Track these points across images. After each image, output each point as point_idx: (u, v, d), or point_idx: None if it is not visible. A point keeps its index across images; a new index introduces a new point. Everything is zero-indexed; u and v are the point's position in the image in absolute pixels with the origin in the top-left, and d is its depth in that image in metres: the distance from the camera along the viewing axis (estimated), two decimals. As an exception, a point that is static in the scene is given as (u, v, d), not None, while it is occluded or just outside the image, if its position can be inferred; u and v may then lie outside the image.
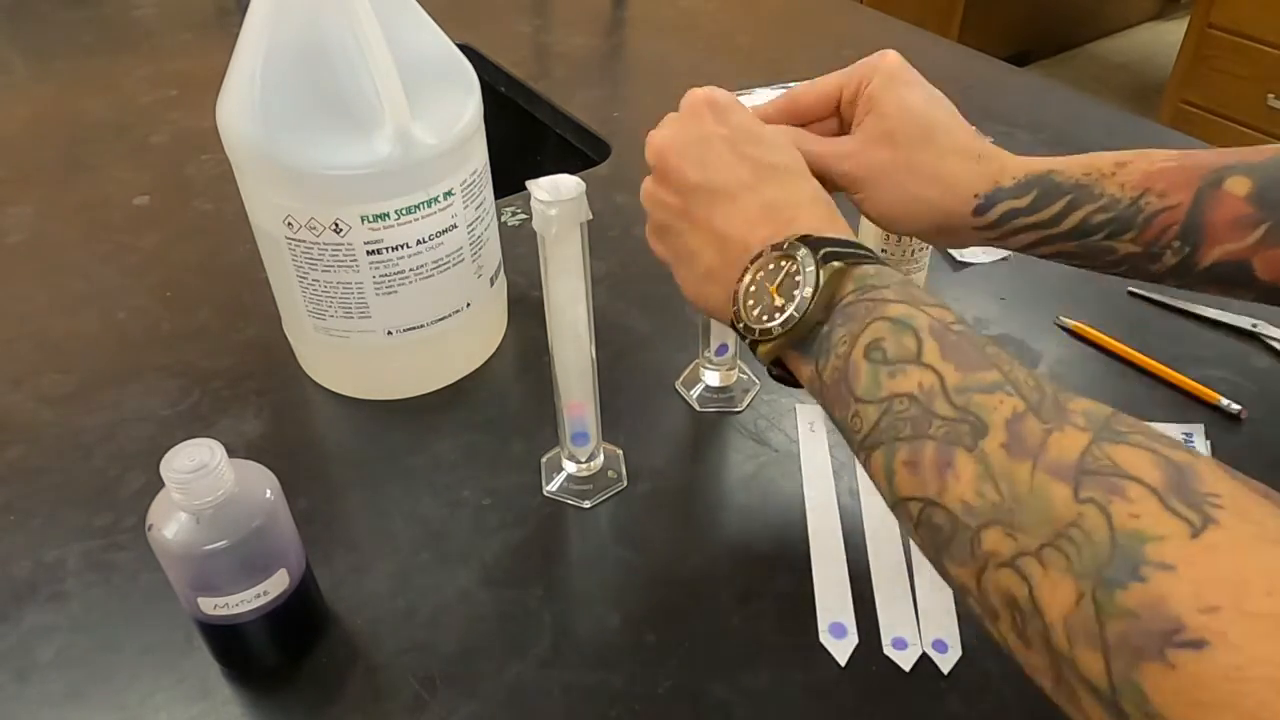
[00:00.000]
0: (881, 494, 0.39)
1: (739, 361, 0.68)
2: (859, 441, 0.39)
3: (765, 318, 0.43)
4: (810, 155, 0.51)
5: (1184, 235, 0.49)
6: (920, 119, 0.52)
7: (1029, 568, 0.31)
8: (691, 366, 0.69)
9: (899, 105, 0.52)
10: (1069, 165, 0.52)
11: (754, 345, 0.44)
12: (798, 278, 0.42)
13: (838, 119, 0.56)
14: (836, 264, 0.41)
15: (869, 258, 0.42)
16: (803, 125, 0.56)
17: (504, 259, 0.71)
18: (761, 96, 1.07)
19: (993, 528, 0.33)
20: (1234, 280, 0.49)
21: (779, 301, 0.42)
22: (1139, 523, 0.29)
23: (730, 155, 0.46)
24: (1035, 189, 0.51)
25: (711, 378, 0.67)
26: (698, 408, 0.67)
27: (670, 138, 0.48)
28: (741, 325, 0.44)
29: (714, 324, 0.64)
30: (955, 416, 0.35)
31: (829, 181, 0.52)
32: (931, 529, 0.35)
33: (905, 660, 0.51)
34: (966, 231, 0.53)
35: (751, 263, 0.44)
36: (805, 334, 0.42)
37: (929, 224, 0.53)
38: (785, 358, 0.44)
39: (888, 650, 0.52)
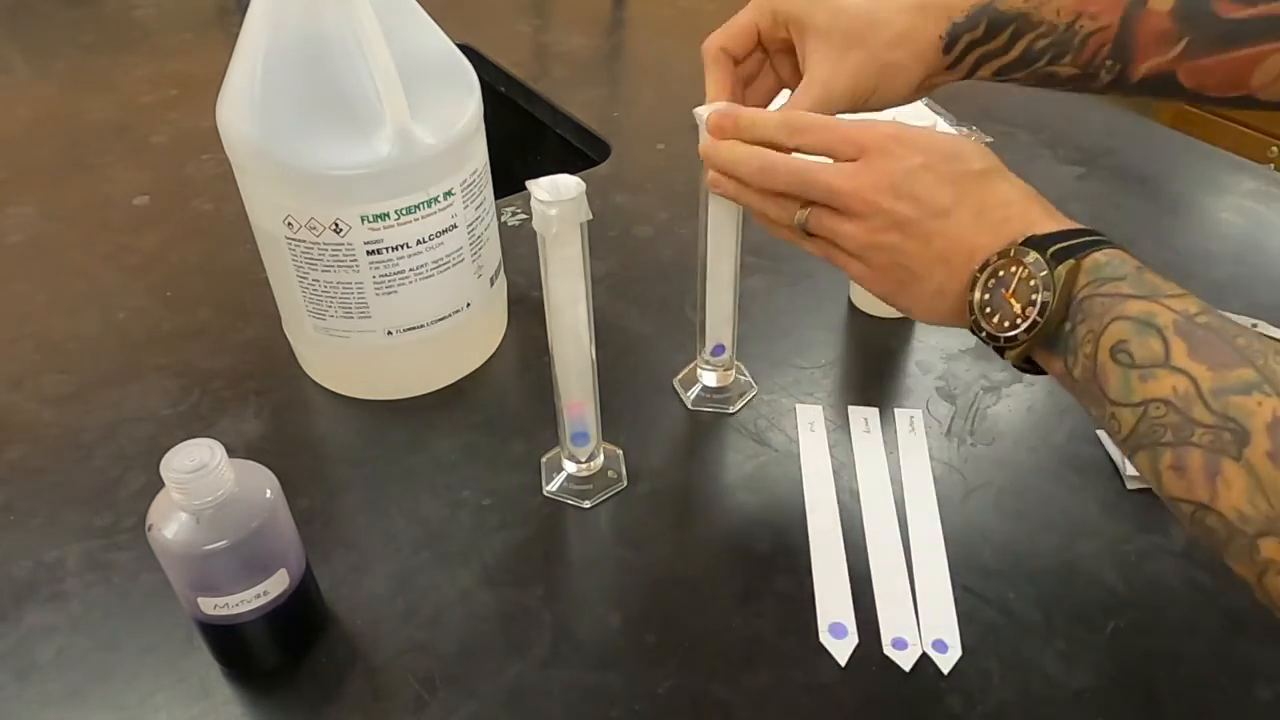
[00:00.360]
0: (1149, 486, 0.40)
1: (736, 362, 0.68)
2: (1119, 441, 0.41)
3: (1008, 325, 0.44)
4: (814, 124, 0.50)
5: (1115, 53, 0.54)
6: (856, 13, 0.55)
7: None
8: (690, 367, 0.69)
9: (830, 17, 0.54)
10: None
11: (1000, 351, 0.45)
12: (1032, 282, 0.42)
13: (762, 50, 0.59)
14: (1069, 261, 0.42)
15: (1094, 242, 0.43)
16: (736, 64, 0.58)
17: (504, 259, 0.71)
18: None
19: (1268, 537, 0.35)
20: (1164, 91, 0.54)
21: (1018, 308, 0.43)
22: None
23: (933, 179, 0.46)
24: (984, 18, 0.55)
25: (709, 378, 0.67)
26: (692, 407, 0.66)
27: (870, 181, 0.47)
28: (985, 334, 0.45)
29: (709, 324, 0.64)
30: (1215, 423, 0.36)
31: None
32: (1206, 530, 0.37)
33: (905, 660, 0.51)
34: (940, 75, 0.57)
35: (980, 272, 0.45)
36: (1050, 333, 0.43)
37: (912, 85, 0.57)
38: (1033, 354, 0.45)
39: (888, 650, 0.52)
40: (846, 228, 0.48)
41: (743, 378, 0.68)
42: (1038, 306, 0.42)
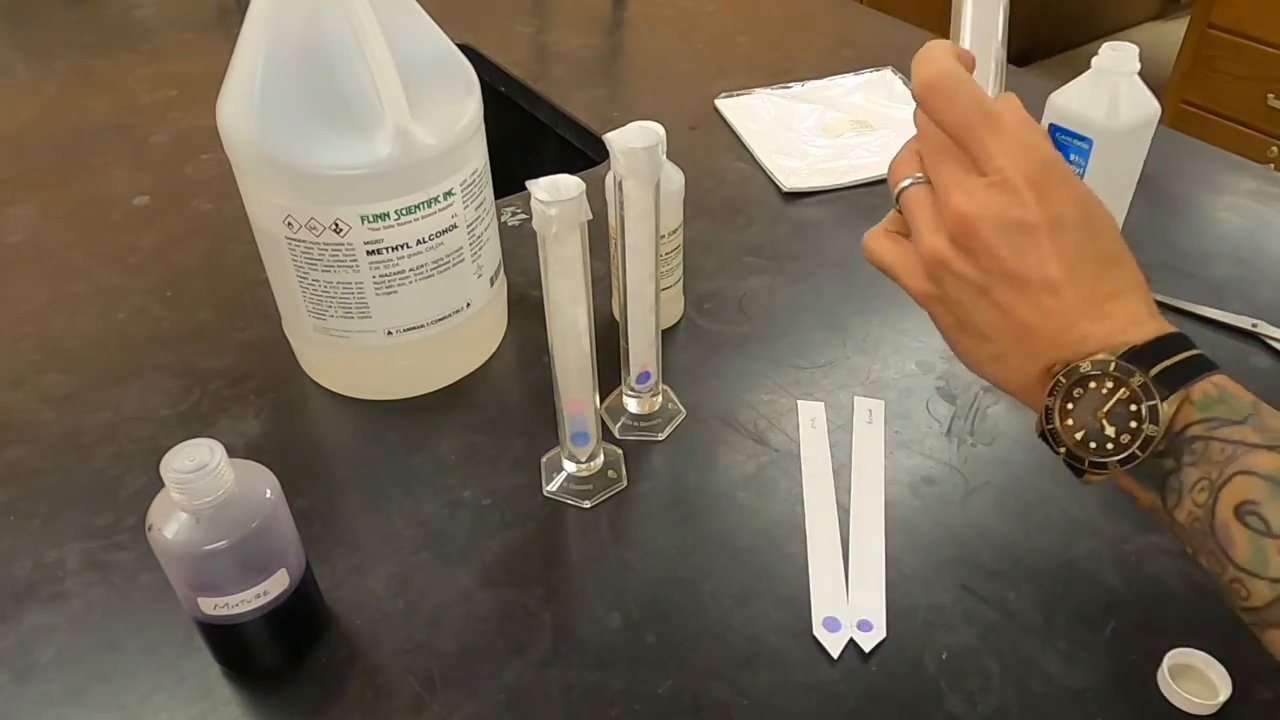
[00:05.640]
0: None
1: (663, 387, 0.66)
2: (1242, 608, 0.37)
3: (1094, 446, 0.39)
4: (968, 102, 0.42)
5: None
6: None
7: None
8: (614, 394, 0.66)
9: None
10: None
11: (1077, 471, 0.41)
12: (1133, 407, 0.38)
13: None
14: (1179, 392, 0.38)
15: (1198, 362, 0.38)
16: None
17: (504, 259, 0.71)
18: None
19: None
20: None
21: (1111, 431, 0.39)
22: None
23: (1050, 246, 0.40)
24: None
25: (633, 405, 0.65)
26: (619, 435, 0.64)
27: (984, 213, 0.40)
28: (1064, 450, 0.41)
29: (633, 349, 0.62)
30: None
31: None
32: None
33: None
34: None
35: (1065, 376, 0.40)
36: (1145, 466, 0.39)
37: None
38: (1113, 474, 0.40)
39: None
40: (937, 242, 0.42)
41: (670, 405, 0.66)
42: (1139, 440, 0.38)
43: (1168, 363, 0.38)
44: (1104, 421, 0.39)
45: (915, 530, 0.58)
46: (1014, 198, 0.40)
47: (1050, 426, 0.41)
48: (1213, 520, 0.36)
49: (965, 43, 0.46)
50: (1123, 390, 0.38)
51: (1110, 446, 0.39)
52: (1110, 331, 0.39)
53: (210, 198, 0.89)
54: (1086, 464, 0.40)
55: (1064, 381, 0.40)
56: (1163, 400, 0.38)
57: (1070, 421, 0.40)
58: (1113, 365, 0.38)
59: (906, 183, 0.44)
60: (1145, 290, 0.41)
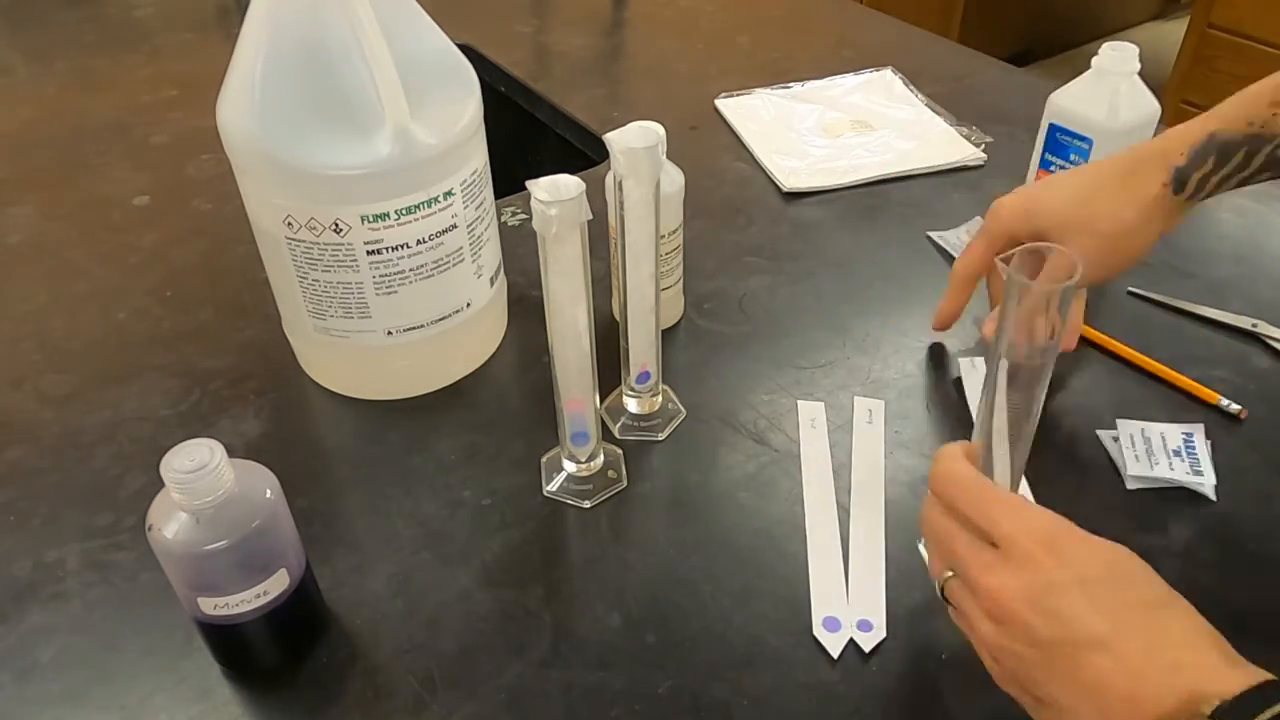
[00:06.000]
0: None
1: (663, 387, 0.66)
2: None
3: None
4: (968, 487, 0.46)
5: None
6: (1079, 214, 0.60)
7: None
8: (614, 394, 0.67)
9: (1061, 233, 0.60)
10: (1226, 121, 0.58)
11: None
12: None
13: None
14: None
15: None
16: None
17: (504, 259, 0.71)
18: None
19: None
20: None
21: None
22: None
23: (1086, 604, 0.40)
24: (1210, 153, 0.58)
25: (633, 405, 0.65)
26: (619, 435, 0.65)
27: (1009, 589, 0.41)
28: None
29: (633, 349, 0.62)
30: None
31: None
32: None
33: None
34: (1177, 214, 0.60)
35: None
36: None
37: (1151, 239, 0.61)
38: None
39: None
40: (988, 630, 0.43)
41: (670, 405, 0.66)
42: None
43: (1267, 714, 0.36)
44: None
45: (915, 530, 0.58)
46: (1033, 563, 0.41)
47: None
48: None
49: (979, 437, 0.50)
50: None
51: None
52: (1187, 688, 0.37)
53: (210, 198, 0.89)
54: None
55: None
56: None
57: None
58: None
59: (947, 575, 0.46)
60: (1214, 636, 0.40)
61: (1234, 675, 0.37)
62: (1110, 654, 0.39)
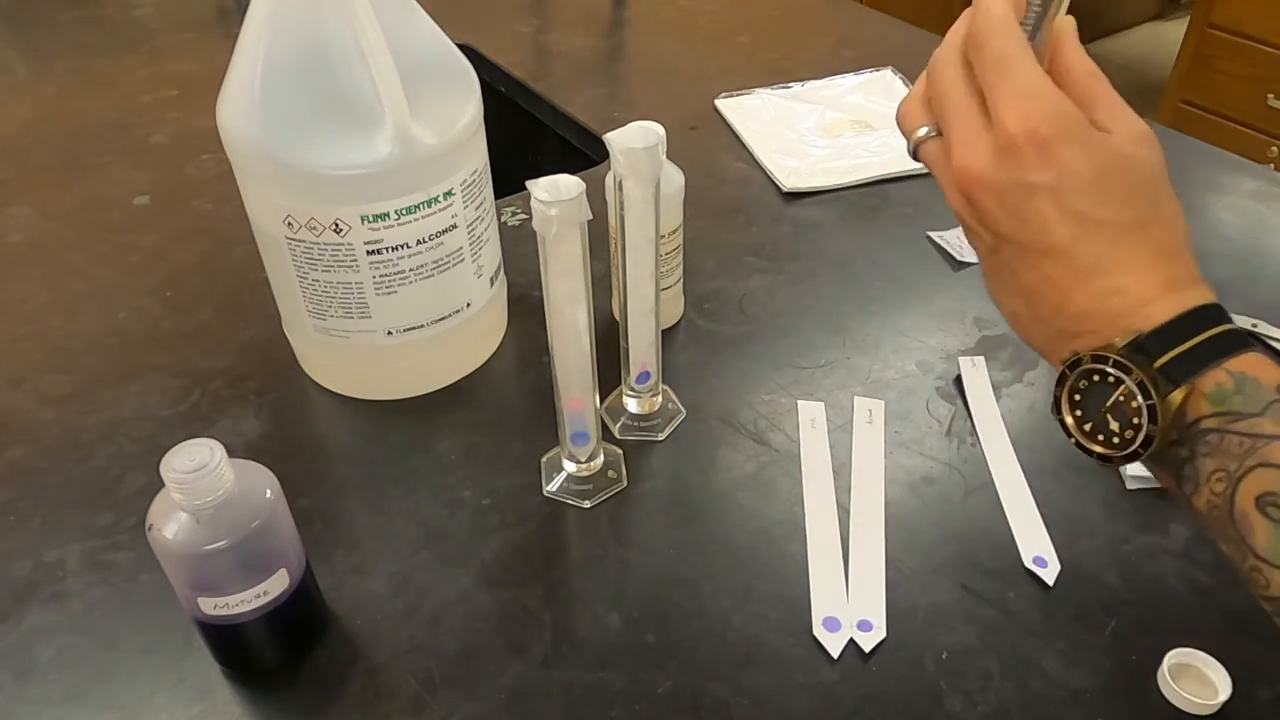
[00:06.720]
0: None
1: (663, 387, 0.66)
2: (1261, 596, 0.36)
3: (1100, 438, 0.39)
4: (998, 52, 0.40)
5: None
6: None
7: None
8: (614, 394, 0.67)
9: None
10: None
11: (1087, 453, 0.40)
12: (1134, 404, 0.37)
13: None
14: (1184, 387, 0.36)
15: (1224, 346, 0.36)
16: None
17: (504, 259, 0.71)
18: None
19: None
20: None
21: (1114, 426, 0.38)
22: None
23: (1052, 211, 0.38)
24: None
25: (633, 405, 0.65)
26: (619, 435, 0.64)
27: (982, 175, 0.39)
28: (1073, 441, 0.40)
29: (633, 349, 0.62)
30: None
31: None
32: None
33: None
34: None
35: (1070, 367, 0.39)
36: (1158, 453, 0.38)
37: None
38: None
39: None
40: (955, 200, 0.41)
41: (670, 405, 0.66)
42: (1140, 437, 0.37)
43: (1175, 352, 0.36)
44: (1108, 416, 0.38)
45: (915, 530, 0.58)
46: (1013, 156, 0.38)
47: (1059, 417, 0.40)
48: (1232, 510, 0.35)
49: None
50: (1123, 386, 0.37)
51: (1116, 441, 0.38)
52: (1116, 313, 0.37)
53: (210, 198, 0.89)
54: (1097, 456, 0.39)
55: (1069, 373, 0.39)
56: (1166, 396, 0.36)
57: (1078, 413, 0.39)
58: (1112, 361, 0.37)
59: (921, 133, 0.42)
60: (1173, 259, 0.38)
61: (1165, 305, 0.37)
62: (1057, 264, 0.38)
